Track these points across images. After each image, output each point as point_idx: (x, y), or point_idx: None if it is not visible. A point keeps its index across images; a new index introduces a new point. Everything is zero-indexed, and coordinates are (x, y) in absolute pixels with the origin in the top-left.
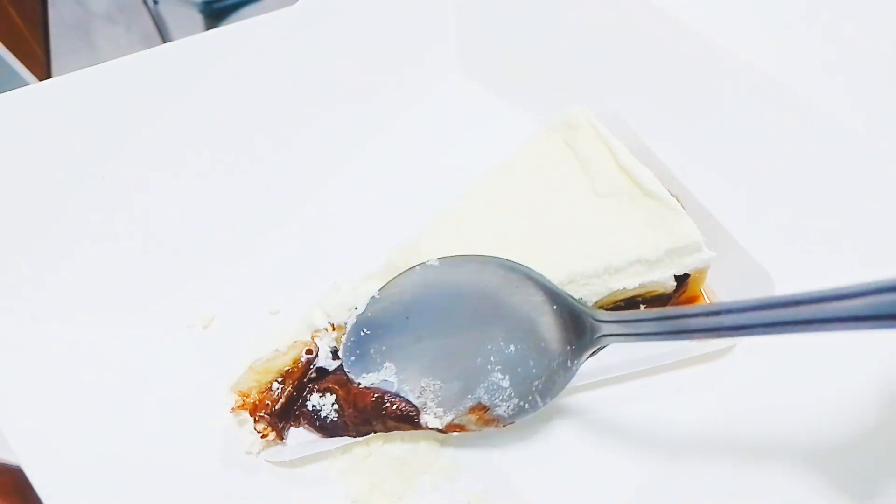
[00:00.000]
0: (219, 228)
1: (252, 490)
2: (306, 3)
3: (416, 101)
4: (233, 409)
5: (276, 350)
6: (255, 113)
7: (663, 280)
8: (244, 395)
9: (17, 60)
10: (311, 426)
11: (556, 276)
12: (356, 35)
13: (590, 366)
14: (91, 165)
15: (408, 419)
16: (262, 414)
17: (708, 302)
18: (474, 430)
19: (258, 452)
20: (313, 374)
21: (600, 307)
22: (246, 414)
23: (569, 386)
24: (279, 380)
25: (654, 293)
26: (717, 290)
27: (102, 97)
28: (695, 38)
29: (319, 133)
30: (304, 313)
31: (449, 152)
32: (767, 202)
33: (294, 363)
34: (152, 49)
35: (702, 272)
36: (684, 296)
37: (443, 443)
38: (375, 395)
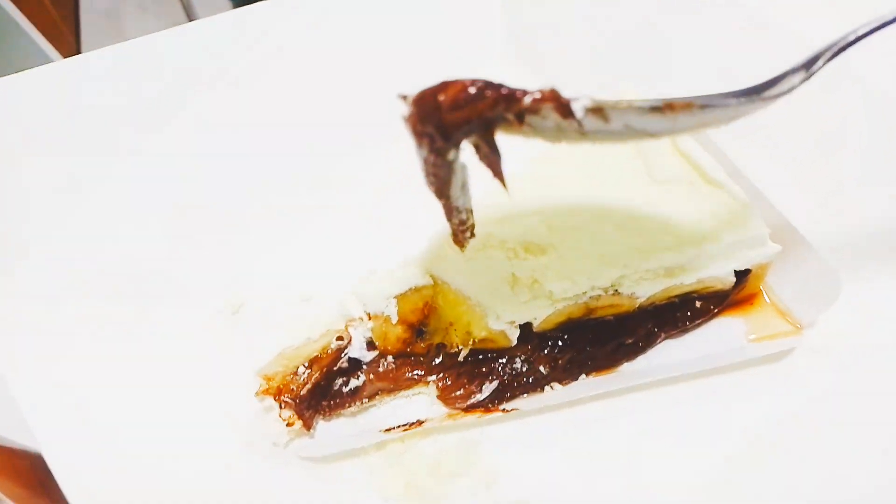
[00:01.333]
0: (251, 211)
1: (278, 485)
2: None
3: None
4: (257, 392)
5: (308, 338)
6: (291, 93)
7: (722, 275)
8: (269, 380)
9: (50, 45)
10: (338, 404)
11: (607, 268)
12: (396, 15)
13: (641, 365)
14: (121, 143)
15: None
16: (286, 398)
17: (768, 300)
18: None
19: (286, 444)
20: (344, 364)
21: (653, 303)
22: (272, 402)
23: (618, 386)
24: (305, 364)
25: (712, 289)
26: (777, 288)
27: (133, 74)
28: (756, 15)
29: (358, 115)
30: (337, 301)
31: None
32: (837, 197)
33: (323, 350)
34: (183, 26)
35: (764, 268)
36: (742, 293)
37: (481, 443)
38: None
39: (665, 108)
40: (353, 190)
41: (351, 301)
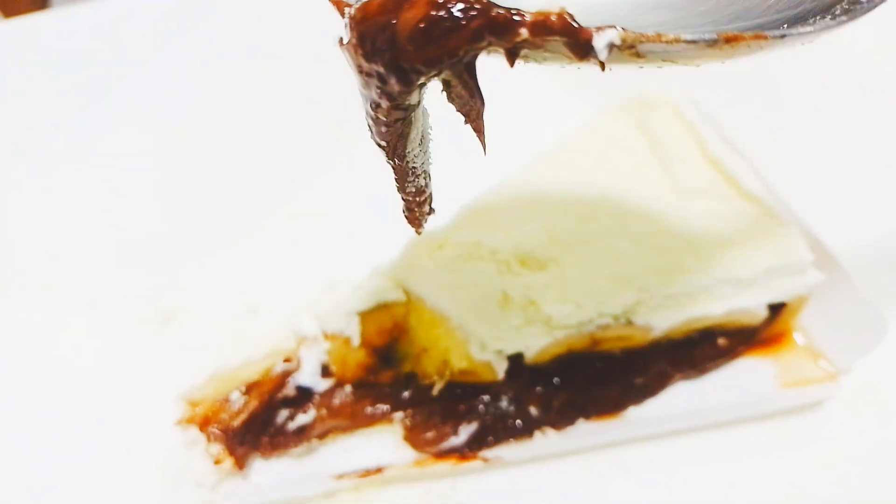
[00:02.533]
0: (192, 205)
1: None
2: None
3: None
4: (179, 421)
5: (249, 358)
6: (249, 71)
7: (754, 308)
8: (195, 406)
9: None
10: (280, 442)
11: (620, 291)
12: None
13: (651, 411)
14: (37, 127)
15: None
16: (214, 430)
17: (800, 340)
18: None
19: (213, 486)
20: (291, 393)
21: (669, 337)
22: (198, 433)
23: (623, 435)
24: (241, 389)
25: (738, 324)
26: (810, 327)
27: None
28: None
29: (326, 103)
30: (289, 316)
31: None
32: (883, 222)
33: (265, 374)
34: None
35: (801, 301)
36: (772, 330)
37: (452, 498)
38: None
39: (726, 40)
40: (314, 186)
41: (305, 317)
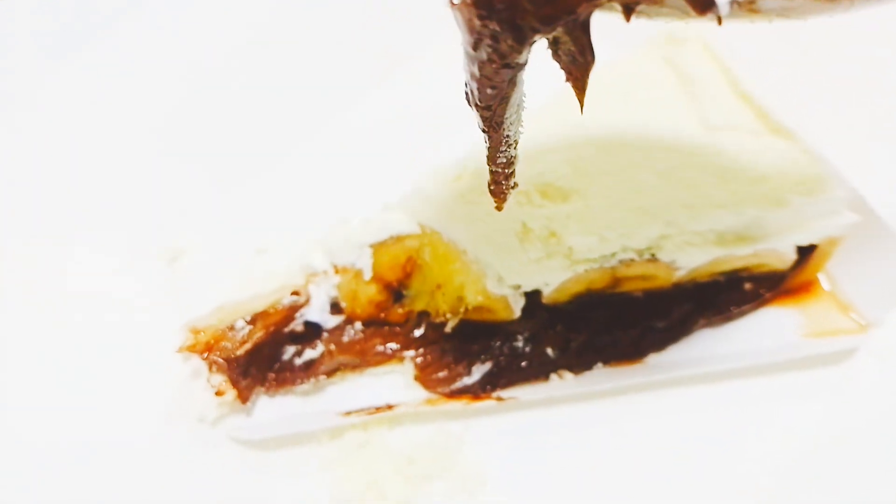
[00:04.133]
0: (199, 142)
1: (202, 472)
2: None
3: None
4: (180, 348)
5: (257, 293)
6: (259, 16)
7: (783, 249)
8: (197, 333)
9: None
10: (286, 378)
11: (646, 224)
12: None
13: (672, 356)
14: (53, 55)
15: None
16: (216, 357)
17: (828, 290)
18: None
19: (215, 420)
20: (299, 328)
21: (694, 279)
22: (200, 362)
23: (643, 380)
24: (246, 318)
25: (766, 268)
26: (840, 277)
27: None
28: None
29: (333, 45)
30: (299, 252)
31: None
32: None
33: (272, 305)
34: None
35: (832, 244)
36: (799, 277)
37: (464, 440)
38: None
39: None
40: (325, 124)
41: (314, 251)
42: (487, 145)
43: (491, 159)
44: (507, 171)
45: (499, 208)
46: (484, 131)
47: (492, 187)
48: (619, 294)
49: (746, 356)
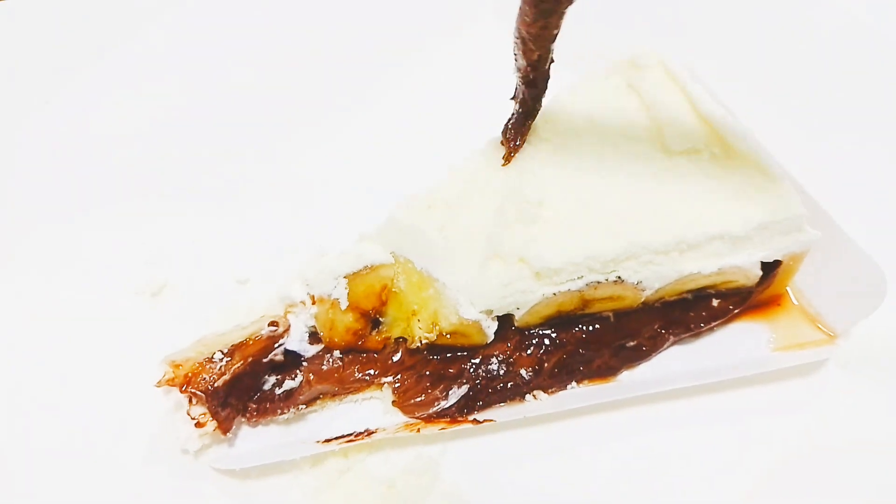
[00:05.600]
0: (181, 178)
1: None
2: None
3: (434, 43)
4: (159, 381)
5: (237, 325)
6: (238, 37)
7: (747, 266)
8: (177, 367)
9: None
10: (267, 409)
11: (612, 248)
12: None
13: (643, 374)
14: (35, 88)
15: None
16: (195, 390)
17: (796, 302)
18: None
19: (197, 452)
20: (278, 357)
21: (662, 298)
22: (182, 399)
23: (615, 398)
24: (223, 350)
25: (733, 284)
26: (806, 289)
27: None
28: None
29: (312, 73)
30: (278, 284)
31: (469, 99)
32: (882, 177)
33: (251, 336)
34: None
35: (796, 260)
36: (767, 292)
37: (442, 464)
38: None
39: None
40: (301, 158)
41: (293, 283)
42: (528, 90)
43: (524, 95)
44: (535, 103)
45: (507, 161)
46: (528, 80)
47: (510, 130)
48: (589, 315)
49: (718, 372)
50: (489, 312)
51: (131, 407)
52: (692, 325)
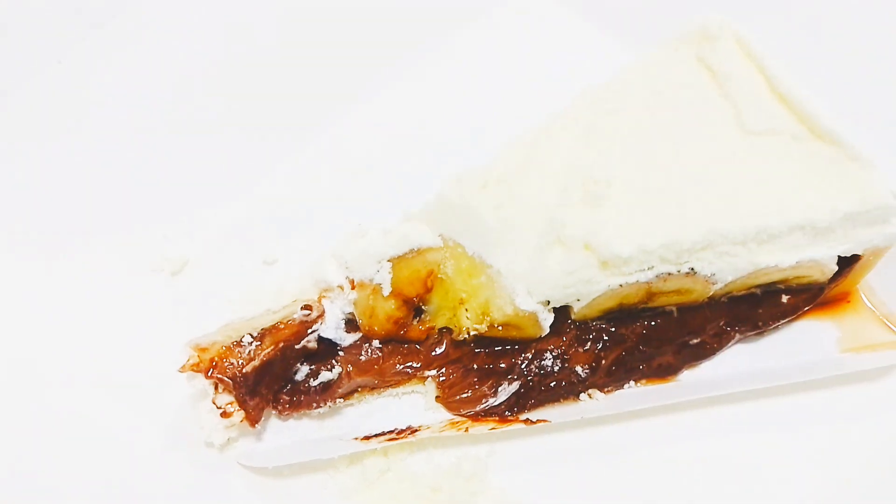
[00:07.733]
0: (203, 145)
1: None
2: None
3: (481, 14)
4: (183, 367)
5: (268, 310)
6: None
7: (825, 261)
8: (202, 352)
9: None
10: (301, 402)
11: (689, 236)
12: None
13: (706, 374)
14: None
15: None
16: (221, 375)
17: (867, 302)
18: None
19: (222, 446)
20: (312, 344)
21: (729, 292)
22: (207, 386)
23: (677, 399)
24: (253, 334)
25: (805, 280)
26: (879, 288)
27: None
28: None
29: (351, 43)
30: (311, 265)
31: (524, 75)
32: None
33: (283, 320)
34: None
35: (877, 255)
36: (837, 289)
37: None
38: None
39: None
40: (339, 125)
41: (328, 264)
42: None
43: None
44: None
45: None
46: None
47: None
48: (651, 309)
49: (784, 373)
50: (546, 303)
51: (149, 395)
52: (760, 323)
